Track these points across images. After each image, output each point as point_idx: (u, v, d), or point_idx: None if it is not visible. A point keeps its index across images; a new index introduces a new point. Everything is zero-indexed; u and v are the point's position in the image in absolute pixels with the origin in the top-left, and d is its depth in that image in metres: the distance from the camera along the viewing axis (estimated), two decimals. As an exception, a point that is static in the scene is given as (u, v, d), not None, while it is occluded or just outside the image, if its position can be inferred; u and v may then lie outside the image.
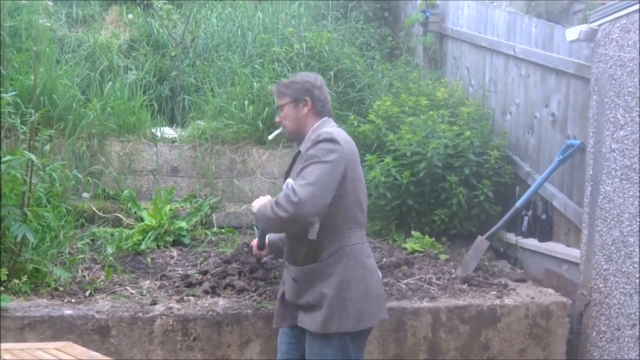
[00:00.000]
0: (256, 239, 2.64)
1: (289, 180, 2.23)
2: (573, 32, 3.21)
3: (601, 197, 3.07)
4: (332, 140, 2.15)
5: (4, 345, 2.09)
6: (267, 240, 2.63)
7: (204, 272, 3.18)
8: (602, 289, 3.04)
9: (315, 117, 2.34)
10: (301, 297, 2.25)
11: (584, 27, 3.16)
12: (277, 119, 2.42)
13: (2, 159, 2.75)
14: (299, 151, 2.33)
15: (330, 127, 2.28)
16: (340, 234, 2.20)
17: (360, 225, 2.29)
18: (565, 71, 3.51)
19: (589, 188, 3.16)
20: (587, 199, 3.18)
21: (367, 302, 2.22)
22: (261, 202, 2.27)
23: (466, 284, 3.33)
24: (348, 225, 2.22)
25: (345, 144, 2.19)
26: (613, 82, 3.00)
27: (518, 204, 3.65)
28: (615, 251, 2.96)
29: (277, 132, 2.56)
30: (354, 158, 2.24)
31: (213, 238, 3.70)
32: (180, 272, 3.25)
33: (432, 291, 3.19)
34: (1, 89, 3.55)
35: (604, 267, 3.03)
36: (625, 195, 2.91)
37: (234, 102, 4.52)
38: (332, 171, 2.11)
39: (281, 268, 3.19)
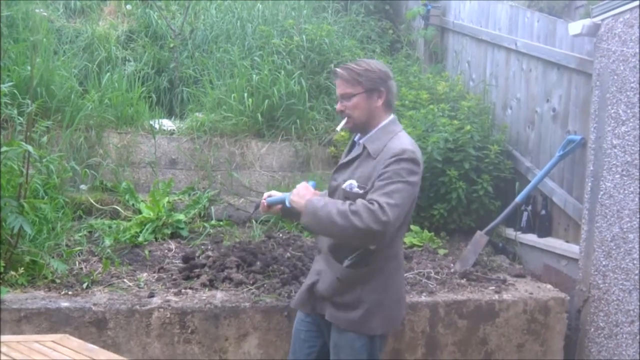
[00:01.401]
0: (264, 200, 2.38)
1: (352, 182, 2.13)
2: (576, 27, 3.18)
3: (601, 193, 3.06)
4: (415, 162, 2.08)
5: (1, 338, 2.08)
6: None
7: (202, 265, 3.17)
8: (601, 285, 3.03)
9: (385, 110, 2.21)
10: (339, 296, 2.20)
11: (587, 21, 3.13)
12: (339, 106, 2.22)
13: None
14: (364, 148, 2.18)
15: (405, 137, 2.18)
16: (391, 242, 2.17)
17: (404, 232, 2.31)
18: (567, 66, 3.49)
19: (589, 184, 3.15)
20: (587, 195, 3.17)
21: (397, 306, 2.24)
22: (303, 196, 2.12)
23: (465, 279, 3.32)
24: (399, 235, 2.22)
25: (421, 165, 2.14)
26: (615, 77, 2.98)
27: (518, 199, 3.64)
28: (614, 247, 2.95)
29: (343, 122, 2.29)
30: (421, 173, 2.19)
31: (211, 231, 3.68)
32: (178, 264, 3.24)
33: (431, 286, 3.18)
34: (-2, 80, 3.53)
35: (603, 263, 3.02)
36: (626, 192, 2.89)
37: (233, 95, 4.50)
38: (411, 194, 2.06)
39: (280, 262, 3.19)
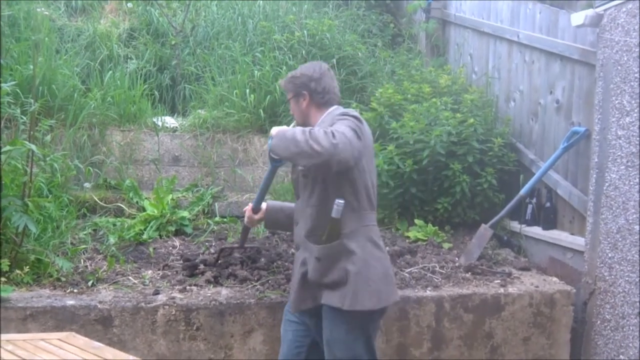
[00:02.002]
0: (251, 203, 2.65)
1: None
2: (578, 17, 3.16)
3: (606, 184, 3.04)
4: (358, 119, 2.25)
5: (6, 336, 2.09)
6: (264, 207, 2.71)
7: (206, 262, 3.17)
8: (607, 278, 3.02)
9: (318, 108, 2.41)
10: (326, 275, 2.27)
11: (590, 12, 3.11)
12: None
13: (3, 150, 2.73)
14: None
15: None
16: (358, 214, 2.28)
17: (373, 207, 2.37)
18: (570, 57, 3.47)
19: (594, 175, 3.14)
20: (592, 187, 3.16)
21: (384, 282, 2.30)
22: (283, 129, 2.29)
23: (470, 273, 3.31)
24: (364, 206, 2.30)
25: (365, 126, 2.30)
26: (619, 67, 2.96)
27: (522, 192, 3.62)
28: (620, 239, 2.94)
29: (293, 123, 2.59)
30: (371, 141, 2.35)
31: (215, 227, 3.68)
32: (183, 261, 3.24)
33: (436, 280, 3.17)
34: (0, 79, 3.52)
35: (609, 255, 3.01)
36: (631, 183, 2.88)
37: (235, 91, 4.49)
38: (358, 141, 2.17)
39: (285, 258, 3.19)
